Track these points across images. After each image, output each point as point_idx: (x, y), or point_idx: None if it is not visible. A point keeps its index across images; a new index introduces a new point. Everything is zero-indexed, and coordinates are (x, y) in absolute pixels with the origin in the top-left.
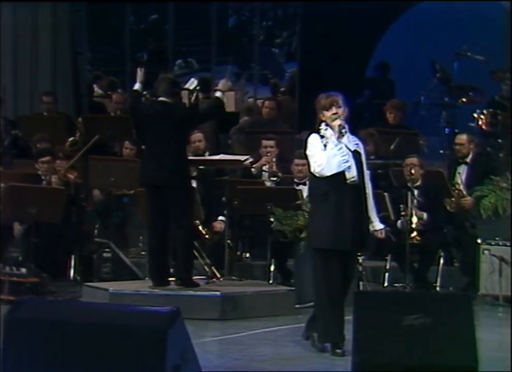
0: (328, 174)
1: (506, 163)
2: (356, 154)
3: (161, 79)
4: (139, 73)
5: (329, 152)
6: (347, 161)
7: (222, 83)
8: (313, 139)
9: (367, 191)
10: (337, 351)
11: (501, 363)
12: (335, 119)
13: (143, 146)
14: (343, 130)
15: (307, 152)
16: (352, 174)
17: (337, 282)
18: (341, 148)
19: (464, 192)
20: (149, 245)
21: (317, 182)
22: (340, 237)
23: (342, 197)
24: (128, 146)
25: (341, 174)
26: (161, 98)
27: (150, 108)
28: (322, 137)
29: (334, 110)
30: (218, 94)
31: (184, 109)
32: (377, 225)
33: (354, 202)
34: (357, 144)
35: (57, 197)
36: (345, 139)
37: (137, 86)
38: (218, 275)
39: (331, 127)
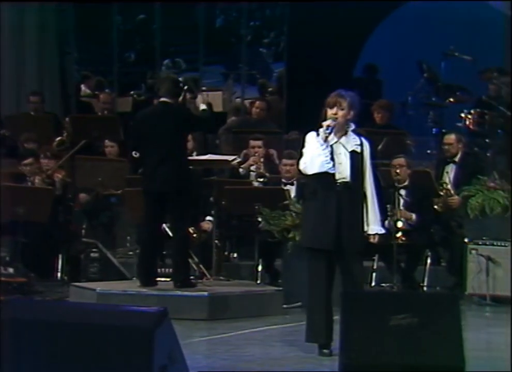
0: (310, 173)
1: (493, 163)
2: (353, 154)
3: (163, 79)
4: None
5: (314, 151)
6: (329, 162)
7: (200, 98)
8: (309, 136)
9: (367, 193)
10: (324, 351)
11: (488, 363)
12: (329, 119)
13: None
14: (326, 131)
15: (302, 149)
16: (342, 174)
17: (324, 282)
18: (325, 148)
19: (452, 192)
20: (142, 246)
21: (307, 180)
22: (324, 237)
23: (330, 197)
24: (108, 144)
25: (330, 174)
26: (163, 99)
27: (152, 110)
28: (319, 135)
29: (335, 110)
30: (203, 106)
31: (188, 111)
32: (371, 228)
33: (344, 203)
34: (359, 145)
35: (44, 197)
36: (343, 139)
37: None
38: (207, 275)
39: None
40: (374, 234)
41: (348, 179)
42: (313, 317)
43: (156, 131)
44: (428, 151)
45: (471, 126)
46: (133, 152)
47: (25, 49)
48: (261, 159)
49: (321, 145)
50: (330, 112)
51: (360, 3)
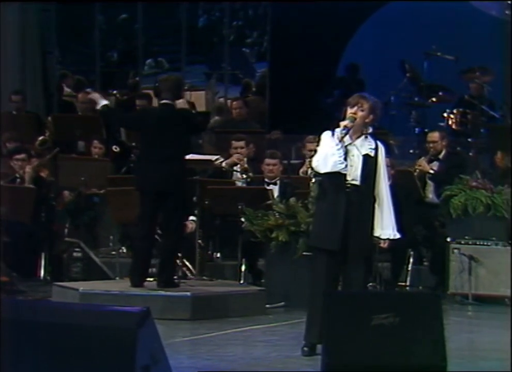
0: (322, 171)
1: (475, 162)
2: (367, 158)
3: (164, 79)
4: (96, 95)
5: (328, 150)
6: (342, 162)
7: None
8: (324, 135)
9: (381, 197)
10: (304, 348)
11: (470, 362)
12: (347, 119)
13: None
14: (342, 132)
15: (317, 147)
16: (353, 177)
17: (326, 282)
18: (340, 148)
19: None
20: (137, 247)
21: (320, 180)
22: (330, 237)
23: (339, 198)
24: (97, 145)
25: (341, 175)
26: (164, 101)
27: (154, 112)
28: (334, 134)
29: (355, 109)
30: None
31: (190, 113)
32: (384, 233)
33: (353, 206)
34: (373, 149)
35: (27, 196)
36: (358, 141)
37: (104, 102)
38: (192, 269)
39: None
40: (386, 239)
41: (358, 182)
42: (312, 317)
43: (159, 132)
44: (411, 151)
45: (453, 126)
46: (114, 147)
47: (7, 48)
48: (245, 159)
49: (336, 145)
50: (349, 111)
51: (343, 3)
